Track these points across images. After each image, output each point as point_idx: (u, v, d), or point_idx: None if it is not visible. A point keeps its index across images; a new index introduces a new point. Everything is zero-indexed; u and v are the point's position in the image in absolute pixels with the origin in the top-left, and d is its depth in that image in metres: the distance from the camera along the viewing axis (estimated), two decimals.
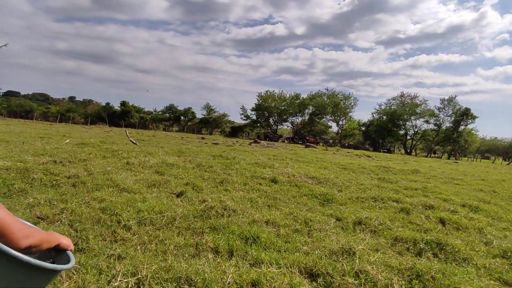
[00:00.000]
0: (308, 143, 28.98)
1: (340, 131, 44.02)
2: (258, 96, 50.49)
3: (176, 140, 22.59)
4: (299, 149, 23.81)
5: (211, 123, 58.32)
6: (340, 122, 44.63)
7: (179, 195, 4.99)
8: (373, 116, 41.08)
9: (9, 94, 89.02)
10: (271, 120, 50.80)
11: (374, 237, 3.76)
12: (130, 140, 14.73)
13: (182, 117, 61.47)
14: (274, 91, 50.79)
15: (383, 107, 41.17)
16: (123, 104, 60.43)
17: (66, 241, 1.18)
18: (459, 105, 38.00)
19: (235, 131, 53.79)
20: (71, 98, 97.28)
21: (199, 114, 62.50)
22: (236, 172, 7.65)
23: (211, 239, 3.07)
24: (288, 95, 49.41)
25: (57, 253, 1.19)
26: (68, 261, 1.15)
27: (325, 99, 44.87)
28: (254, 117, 51.37)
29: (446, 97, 38.87)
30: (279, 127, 51.85)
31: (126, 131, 16.74)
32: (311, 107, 47.51)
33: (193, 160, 9.49)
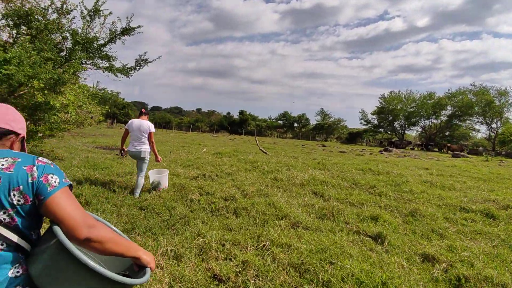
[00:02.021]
0: (454, 151, 23.57)
1: (494, 136, 34.82)
2: (380, 98, 45.15)
3: (299, 148, 21.58)
4: (447, 159, 19.28)
5: (326, 129, 55.99)
6: (493, 125, 35.32)
7: (377, 238, 3.40)
8: None
9: (154, 109, 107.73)
10: (396, 124, 44.71)
11: None
12: (260, 149, 14.26)
13: (296, 124, 61.24)
14: (399, 91, 44.82)
15: None
16: (241, 113, 64.39)
17: (147, 257, 1.02)
18: None
19: (353, 138, 49.82)
20: (198, 110, 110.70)
21: (313, 120, 61.21)
22: (417, 198, 5.62)
23: None
24: (418, 95, 42.60)
25: (139, 269, 1.05)
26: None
27: (471, 97, 36.43)
28: (376, 122, 46.26)
29: None
30: (406, 132, 45.22)
31: (256, 139, 16.54)
32: (449, 108, 39.57)
33: (342, 175, 7.89)
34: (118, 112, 48.84)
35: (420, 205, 4.99)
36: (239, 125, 61.27)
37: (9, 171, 0.93)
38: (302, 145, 26.80)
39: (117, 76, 7.71)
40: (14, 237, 0.91)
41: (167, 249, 2.73)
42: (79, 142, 13.06)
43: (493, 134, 35.50)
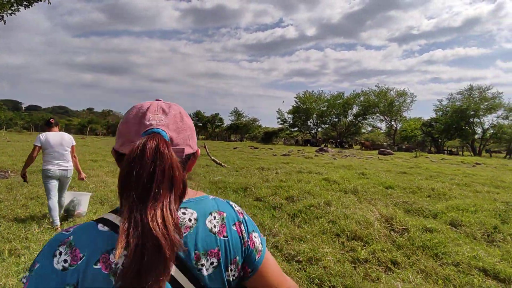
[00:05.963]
0: (383, 150, 24.38)
1: (394, 133, 39.08)
2: (296, 97, 45.91)
3: (237, 153, 18.66)
4: (383, 157, 19.42)
5: (241, 129, 54.42)
6: (393, 122, 39.64)
7: None
8: (436, 113, 35.87)
9: (31, 108, 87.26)
10: (309, 123, 46.24)
11: None
12: (213, 160, 10.72)
13: (209, 124, 57.85)
14: (313, 91, 46.56)
15: (444, 103, 35.96)
16: None
17: None
18: None
19: (269, 137, 49.47)
20: (90, 110, 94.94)
21: (226, 120, 59.04)
22: None
23: None
24: (329, 95, 44.93)
25: None
26: None
27: (373, 97, 40.07)
28: (291, 121, 46.92)
29: None
30: (318, 130, 47.29)
31: (205, 146, 12.51)
32: (355, 107, 42.85)
33: (390, 201, 5.44)
34: None
35: None
36: None
37: (223, 236, 0.64)
38: (234, 148, 23.92)
39: None
40: None
41: None
42: None
43: (393, 130, 39.85)
